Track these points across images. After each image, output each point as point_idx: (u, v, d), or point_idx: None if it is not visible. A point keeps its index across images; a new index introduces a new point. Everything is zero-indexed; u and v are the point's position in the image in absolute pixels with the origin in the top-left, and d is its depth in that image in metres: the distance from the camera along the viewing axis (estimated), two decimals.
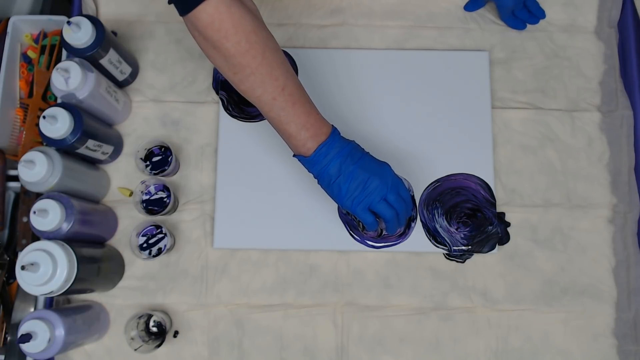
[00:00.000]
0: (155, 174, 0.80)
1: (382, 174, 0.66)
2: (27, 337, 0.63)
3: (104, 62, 0.76)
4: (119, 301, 0.78)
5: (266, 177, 0.81)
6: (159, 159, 0.80)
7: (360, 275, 0.79)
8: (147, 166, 0.80)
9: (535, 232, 0.80)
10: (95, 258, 0.73)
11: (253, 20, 0.60)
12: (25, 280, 0.63)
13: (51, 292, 0.64)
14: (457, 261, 0.79)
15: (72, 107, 0.70)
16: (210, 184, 0.82)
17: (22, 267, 0.62)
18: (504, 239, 0.80)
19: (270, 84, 0.61)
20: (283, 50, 0.84)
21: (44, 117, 0.68)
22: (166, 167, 0.79)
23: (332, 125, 0.66)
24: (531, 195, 0.81)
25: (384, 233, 0.78)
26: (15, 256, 0.80)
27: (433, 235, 0.79)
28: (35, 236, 0.78)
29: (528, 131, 0.83)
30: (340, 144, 0.65)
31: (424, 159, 0.81)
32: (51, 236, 0.68)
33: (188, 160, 0.83)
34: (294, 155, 0.66)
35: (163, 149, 0.80)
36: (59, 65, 0.70)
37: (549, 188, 0.82)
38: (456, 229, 0.79)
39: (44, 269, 0.63)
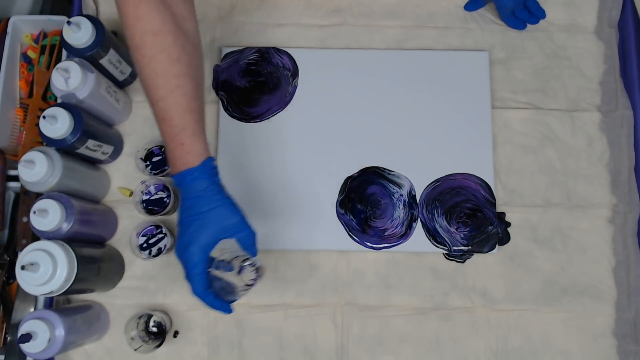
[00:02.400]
0: (155, 174, 0.80)
1: (186, 248, 0.59)
2: (27, 337, 0.63)
3: (104, 62, 0.76)
4: (119, 301, 0.78)
5: (266, 177, 0.81)
6: (159, 159, 0.80)
7: (360, 275, 0.79)
8: (147, 166, 0.80)
9: (535, 232, 0.80)
10: (95, 258, 0.73)
11: (161, 23, 0.58)
12: (25, 280, 0.63)
13: (51, 292, 0.64)
14: (457, 261, 0.79)
15: (72, 107, 0.70)
16: None
17: (22, 267, 0.62)
18: (504, 239, 0.80)
19: (149, 90, 0.59)
20: (283, 50, 0.85)
21: (44, 117, 0.68)
22: (166, 167, 0.79)
23: (194, 169, 0.59)
24: (531, 195, 0.81)
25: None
26: (15, 256, 0.80)
27: (433, 235, 0.79)
28: (35, 236, 0.78)
29: (528, 131, 0.83)
30: (181, 191, 0.60)
31: (423, 159, 0.81)
32: (51, 236, 0.68)
33: None
34: None
35: (163, 149, 0.80)
36: (59, 65, 0.70)
37: (549, 188, 0.82)
38: (456, 229, 0.79)
39: (44, 269, 0.63)
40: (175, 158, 0.59)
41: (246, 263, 0.64)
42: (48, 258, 0.63)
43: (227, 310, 0.61)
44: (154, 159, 0.80)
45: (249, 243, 0.62)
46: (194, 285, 0.59)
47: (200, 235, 0.59)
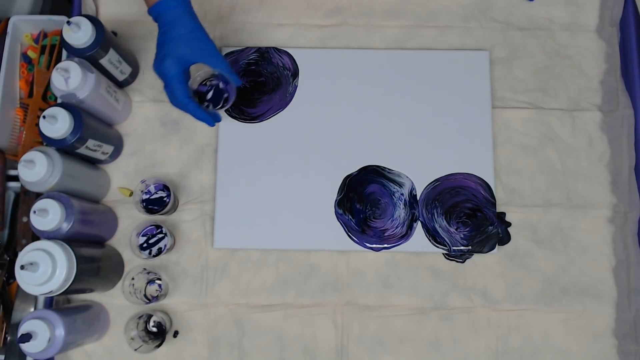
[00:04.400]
0: (219, 109, 0.74)
1: (162, 61, 0.65)
2: (27, 337, 0.63)
3: (104, 62, 0.76)
4: (119, 301, 0.78)
5: (266, 177, 0.81)
6: (212, 94, 0.74)
7: (360, 275, 0.79)
8: (207, 105, 0.74)
9: (535, 232, 0.80)
10: (94, 258, 0.73)
11: None
12: (25, 280, 0.63)
13: (50, 291, 0.64)
14: (457, 261, 0.79)
15: (72, 107, 0.71)
16: (210, 184, 0.82)
17: (22, 267, 0.62)
18: (505, 239, 0.80)
19: None
20: (283, 50, 0.85)
21: (44, 117, 0.68)
22: (223, 103, 0.75)
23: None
24: (531, 195, 0.81)
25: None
26: (16, 256, 0.80)
27: (432, 235, 0.79)
28: (35, 236, 0.78)
29: (528, 131, 0.83)
30: (158, 24, 0.66)
31: (423, 159, 0.81)
32: (51, 236, 0.68)
33: (188, 160, 0.83)
34: None
35: (205, 82, 0.75)
36: (59, 65, 0.70)
37: (549, 188, 0.81)
38: (456, 229, 0.79)
39: (43, 268, 0.63)
40: None
41: (157, 281, 0.78)
42: (47, 258, 0.63)
43: (211, 122, 0.65)
44: (208, 97, 0.74)
45: (226, 70, 0.66)
46: (177, 92, 0.62)
47: (176, 50, 0.62)
